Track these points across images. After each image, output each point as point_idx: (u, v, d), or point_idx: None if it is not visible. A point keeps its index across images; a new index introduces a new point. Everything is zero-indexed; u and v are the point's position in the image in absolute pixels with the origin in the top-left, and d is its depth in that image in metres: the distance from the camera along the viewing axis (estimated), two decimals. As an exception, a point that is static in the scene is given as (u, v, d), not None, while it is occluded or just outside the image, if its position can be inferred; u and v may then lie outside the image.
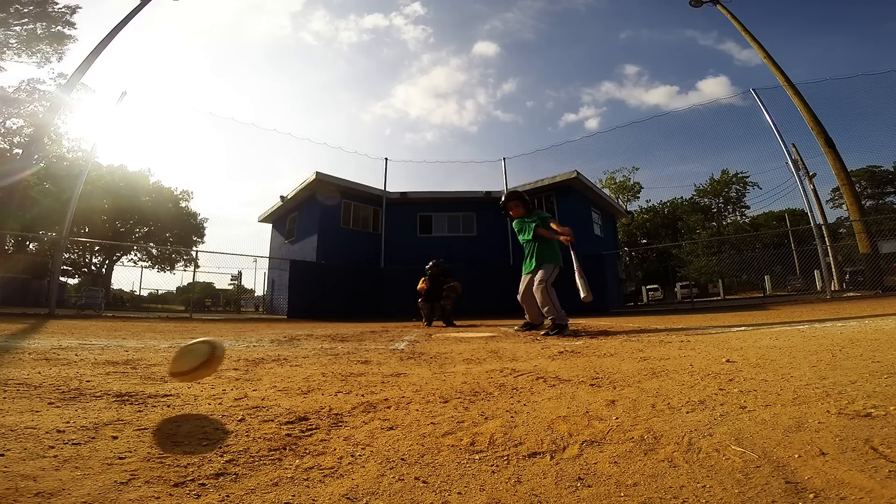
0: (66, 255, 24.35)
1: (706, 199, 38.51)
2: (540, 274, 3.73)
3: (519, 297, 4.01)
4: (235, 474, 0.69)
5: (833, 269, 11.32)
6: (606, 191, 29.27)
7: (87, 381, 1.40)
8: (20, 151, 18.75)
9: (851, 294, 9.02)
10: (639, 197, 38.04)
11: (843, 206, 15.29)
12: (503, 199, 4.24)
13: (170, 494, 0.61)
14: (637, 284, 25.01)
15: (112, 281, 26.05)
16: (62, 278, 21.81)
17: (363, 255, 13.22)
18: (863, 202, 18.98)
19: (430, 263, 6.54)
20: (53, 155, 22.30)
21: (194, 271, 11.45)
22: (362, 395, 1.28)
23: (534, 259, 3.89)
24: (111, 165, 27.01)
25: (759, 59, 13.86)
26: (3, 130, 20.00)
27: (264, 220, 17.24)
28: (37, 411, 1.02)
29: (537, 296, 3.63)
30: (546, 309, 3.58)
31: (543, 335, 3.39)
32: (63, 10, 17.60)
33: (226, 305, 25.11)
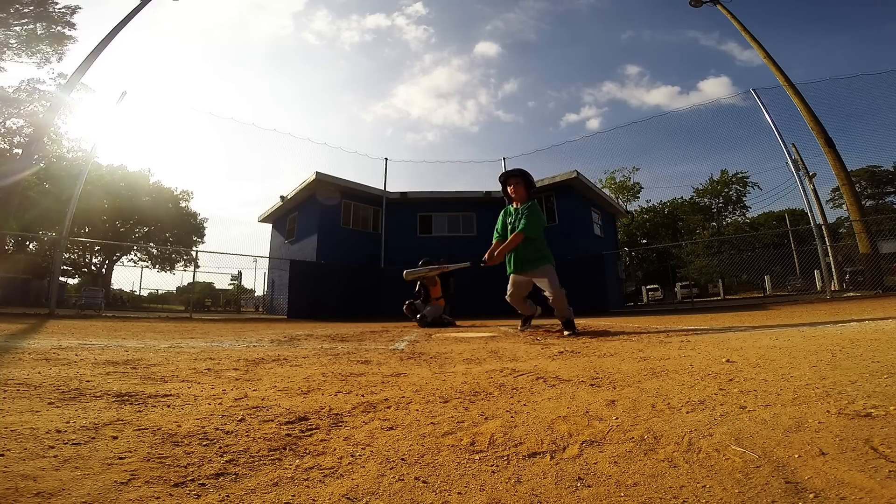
0: (66, 255, 24.35)
1: (706, 199, 38.55)
2: (550, 276, 3.45)
3: (508, 297, 3.74)
4: (235, 474, 0.69)
5: (833, 269, 11.32)
6: (606, 191, 29.30)
7: (87, 381, 1.40)
8: (20, 151, 18.75)
9: (851, 294, 9.02)
10: (639, 197, 38.09)
11: (843, 206, 15.29)
12: (503, 174, 3.74)
13: (170, 494, 0.61)
14: (637, 284, 25.00)
15: (112, 281, 26.06)
16: (62, 278, 21.82)
17: (363, 255, 13.23)
18: (863, 202, 19.00)
19: (421, 262, 6.25)
20: (53, 155, 22.29)
21: (194, 271, 11.46)
22: (362, 395, 1.28)
23: (526, 258, 3.54)
24: (111, 165, 27.02)
25: (760, 60, 13.87)
26: (3, 130, 20.01)
27: (264, 220, 17.25)
28: (37, 411, 1.02)
29: (560, 302, 3.38)
30: (565, 312, 3.40)
31: (568, 334, 3.26)
32: (63, 10, 17.61)
33: (226, 305, 25.11)
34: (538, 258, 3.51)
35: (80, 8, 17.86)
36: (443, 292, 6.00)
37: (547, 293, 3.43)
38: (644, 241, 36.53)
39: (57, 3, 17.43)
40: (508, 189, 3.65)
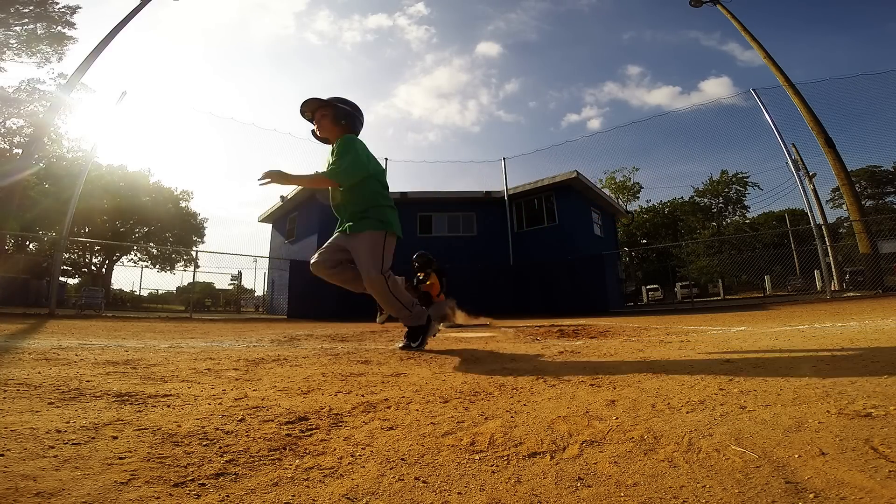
0: (66, 255, 24.36)
1: (706, 200, 38.61)
2: (367, 247, 2.30)
3: (312, 264, 2.45)
4: (235, 474, 0.69)
5: (833, 269, 11.32)
6: (606, 191, 29.32)
7: (87, 381, 1.40)
8: (20, 151, 18.78)
9: (851, 294, 9.02)
10: (639, 197, 38.16)
11: (843, 206, 15.30)
12: (304, 104, 2.44)
13: (170, 494, 0.61)
14: (637, 284, 25.00)
15: (112, 281, 26.10)
16: (62, 278, 21.82)
17: (363, 255, 13.21)
18: (863, 202, 19.02)
19: (416, 255, 5.84)
20: (53, 155, 22.33)
21: (194, 271, 11.48)
22: (362, 395, 1.28)
23: (353, 216, 2.38)
24: (111, 165, 27.08)
25: (761, 60, 13.88)
26: (3, 130, 20.04)
27: (264, 220, 17.27)
28: (37, 411, 1.02)
29: (378, 291, 2.33)
30: (395, 310, 2.41)
31: (401, 347, 2.49)
32: (63, 10, 17.65)
33: (226, 305, 25.13)
34: (363, 218, 2.34)
35: (80, 8, 17.90)
36: (440, 289, 5.89)
37: (362, 263, 2.32)
38: (644, 241, 36.56)
39: (57, 3, 17.47)
40: (315, 127, 2.47)
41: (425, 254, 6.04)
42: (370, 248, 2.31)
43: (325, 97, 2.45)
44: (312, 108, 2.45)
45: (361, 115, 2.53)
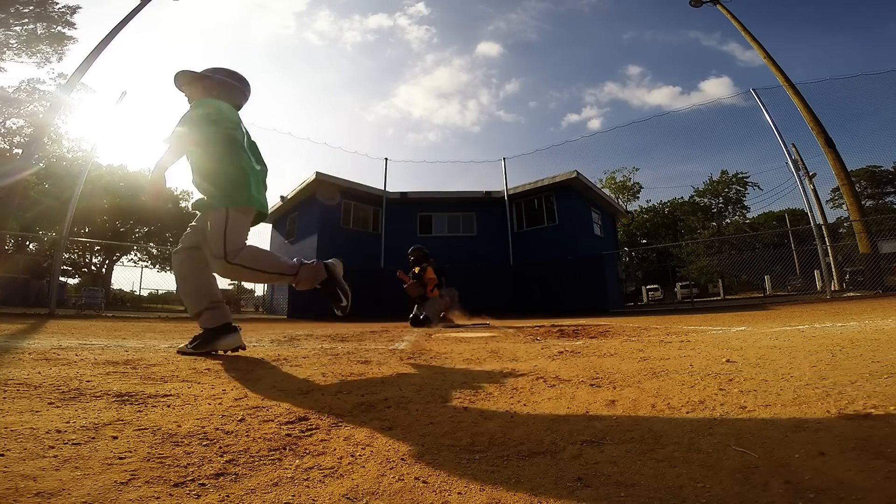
0: (66, 255, 24.36)
1: (706, 199, 38.65)
2: (212, 224, 1.92)
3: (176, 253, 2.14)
4: (235, 474, 0.69)
5: (833, 269, 11.32)
6: (606, 191, 29.33)
7: (87, 381, 1.40)
8: (20, 151, 18.78)
9: (851, 294, 9.02)
10: (639, 197, 38.20)
11: (843, 206, 15.31)
12: (176, 78, 2.20)
13: (170, 494, 0.61)
14: (637, 284, 24.99)
15: (112, 281, 26.09)
16: (62, 278, 21.82)
17: (363, 255, 13.24)
18: (863, 202, 19.02)
19: (411, 249, 5.83)
20: (53, 155, 22.34)
21: (194, 271, 11.44)
22: (362, 395, 1.28)
23: (198, 190, 2.07)
24: (111, 165, 27.09)
25: (761, 60, 13.88)
26: (3, 130, 20.04)
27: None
28: (37, 411, 1.02)
29: (237, 280, 2.10)
30: (277, 281, 2.17)
31: (337, 312, 2.29)
32: (63, 10, 17.65)
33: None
34: (204, 191, 2.02)
35: (80, 8, 17.91)
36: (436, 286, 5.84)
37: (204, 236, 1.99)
38: (644, 241, 36.58)
39: (57, 3, 17.47)
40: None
41: (420, 248, 5.99)
42: (214, 229, 1.91)
43: (199, 70, 2.22)
44: (187, 82, 2.21)
45: (245, 86, 2.33)
